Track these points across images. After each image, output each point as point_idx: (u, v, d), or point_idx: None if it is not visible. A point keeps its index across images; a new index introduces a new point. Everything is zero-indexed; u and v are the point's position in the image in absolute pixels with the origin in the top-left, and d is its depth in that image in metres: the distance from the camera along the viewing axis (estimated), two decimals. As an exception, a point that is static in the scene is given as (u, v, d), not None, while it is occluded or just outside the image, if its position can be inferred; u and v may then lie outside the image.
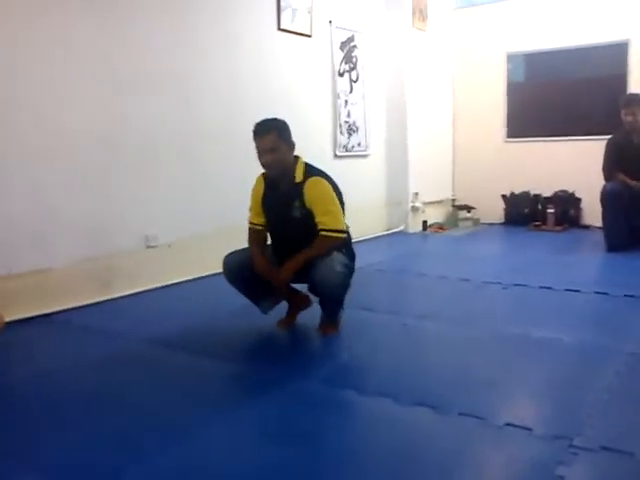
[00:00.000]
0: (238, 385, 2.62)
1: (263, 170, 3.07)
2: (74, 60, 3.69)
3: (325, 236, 2.92)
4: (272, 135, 2.90)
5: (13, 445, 2.06)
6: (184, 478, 1.82)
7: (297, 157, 3.03)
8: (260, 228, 3.16)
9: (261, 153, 2.92)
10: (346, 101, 6.10)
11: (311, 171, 3.01)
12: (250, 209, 3.20)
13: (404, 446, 2.01)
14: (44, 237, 3.59)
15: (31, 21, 3.47)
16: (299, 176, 2.97)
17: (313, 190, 2.94)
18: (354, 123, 6.21)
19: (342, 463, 1.91)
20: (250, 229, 3.19)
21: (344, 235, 2.98)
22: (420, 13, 6.63)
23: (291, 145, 2.99)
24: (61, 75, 3.63)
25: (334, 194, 2.99)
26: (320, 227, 2.92)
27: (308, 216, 2.95)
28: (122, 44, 3.95)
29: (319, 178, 2.99)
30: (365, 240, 5.65)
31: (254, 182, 3.16)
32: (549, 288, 3.96)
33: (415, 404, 2.27)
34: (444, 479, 1.82)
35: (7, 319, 2.97)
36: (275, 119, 3.00)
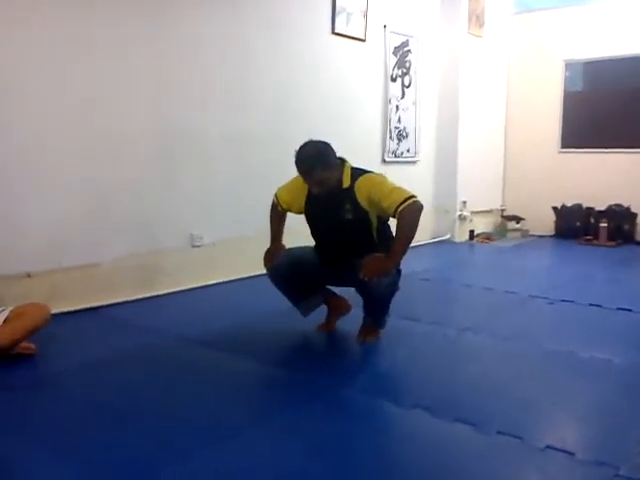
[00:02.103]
0: (275, 389, 2.60)
1: None
2: (128, 62, 3.76)
3: (403, 209, 2.77)
4: (317, 171, 2.83)
5: (52, 433, 2.10)
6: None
7: (343, 161, 2.98)
8: (282, 210, 3.17)
9: (310, 185, 2.91)
10: (397, 106, 6.05)
11: (356, 173, 2.96)
12: (284, 188, 3.17)
13: (440, 462, 1.97)
14: (94, 233, 3.66)
15: (83, 22, 3.54)
16: (346, 181, 2.93)
17: (366, 185, 2.85)
18: (404, 129, 6.16)
19: (376, 476, 1.88)
20: (275, 205, 3.19)
21: (416, 198, 2.83)
22: (477, 19, 6.52)
23: (336, 166, 2.92)
24: (113, 76, 3.69)
25: (386, 180, 2.94)
26: (394, 206, 2.79)
27: (362, 217, 2.91)
28: (176, 47, 4.01)
29: (367, 175, 2.94)
30: (411, 247, 5.57)
31: (299, 177, 3.03)
32: (598, 306, 3.82)
33: (453, 419, 2.21)
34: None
35: (55, 311, 3.02)
36: (315, 147, 2.89)
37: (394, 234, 2.95)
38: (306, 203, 3.07)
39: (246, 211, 4.48)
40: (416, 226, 2.84)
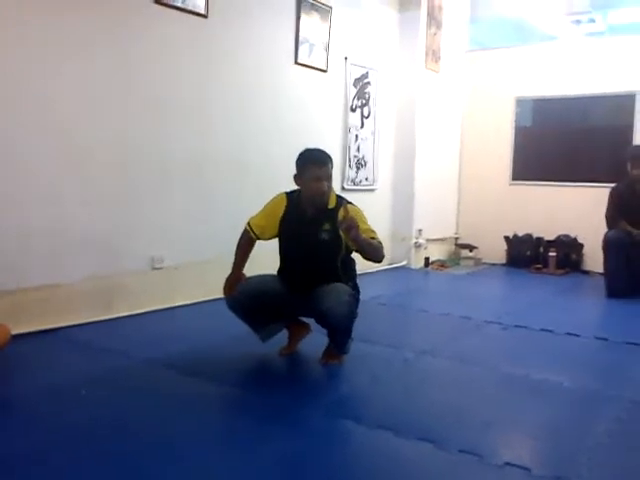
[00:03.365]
0: (237, 411, 2.63)
1: (286, 192, 3.17)
2: (95, 82, 3.78)
3: (379, 242, 2.99)
4: (329, 164, 3.06)
5: (13, 462, 2.07)
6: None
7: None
8: (254, 237, 3.22)
9: (319, 180, 2.99)
10: (357, 136, 6.20)
11: (342, 199, 3.12)
12: (256, 216, 3.23)
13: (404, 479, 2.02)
14: (53, 253, 3.62)
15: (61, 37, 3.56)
16: (332, 203, 3.07)
17: (349, 212, 2.88)
18: (363, 157, 6.31)
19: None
20: (247, 231, 3.23)
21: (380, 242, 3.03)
22: (433, 54, 6.77)
23: None
24: (80, 94, 3.71)
25: (364, 216, 3.08)
26: (371, 235, 2.97)
27: (336, 239, 3.01)
28: (139, 72, 4.04)
29: (353, 205, 3.08)
30: (368, 273, 5.67)
31: (273, 198, 3.19)
32: (550, 331, 3.98)
33: (415, 438, 2.29)
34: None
35: (14, 332, 2.98)
36: (320, 149, 3.13)
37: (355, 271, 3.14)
38: (281, 224, 3.13)
39: (207, 235, 4.50)
40: (379, 256, 2.98)
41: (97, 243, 3.85)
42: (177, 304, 4.30)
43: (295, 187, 3.16)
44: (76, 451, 2.13)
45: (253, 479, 2.00)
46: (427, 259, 6.83)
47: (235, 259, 3.25)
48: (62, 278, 3.66)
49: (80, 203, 3.75)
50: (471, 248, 7.19)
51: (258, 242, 3.25)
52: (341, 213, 2.92)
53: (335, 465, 2.12)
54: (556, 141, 6.95)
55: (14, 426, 2.32)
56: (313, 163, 3.04)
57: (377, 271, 6.15)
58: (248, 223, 3.24)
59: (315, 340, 3.24)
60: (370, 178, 6.43)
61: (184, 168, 4.38)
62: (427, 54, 6.67)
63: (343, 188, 5.95)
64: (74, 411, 2.50)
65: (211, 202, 4.58)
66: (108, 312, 3.89)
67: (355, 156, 6.20)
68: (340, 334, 3.10)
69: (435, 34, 6.77)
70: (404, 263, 6.69)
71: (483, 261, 7.16)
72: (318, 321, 3.11)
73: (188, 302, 4.36)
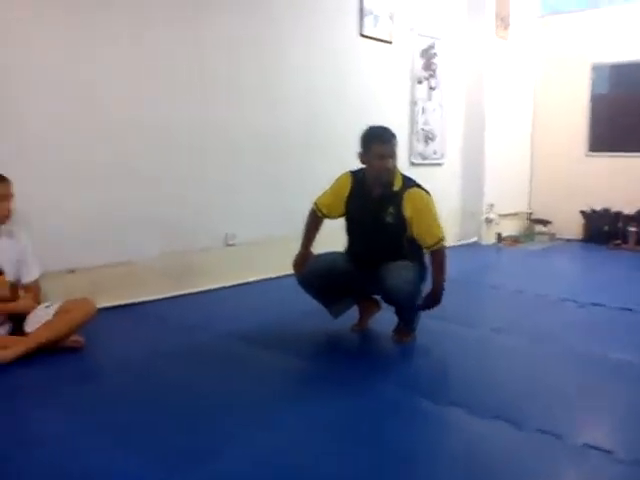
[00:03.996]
0: (310, 383, 2.68)
1: (351, 171, 3.15)
2: (174, 69, 3.88)
3: (436, 250, 3.02)
4: (394, 141, 3.04)
5: (103, 422, 2.18)
6: (256, 472, 1.88)
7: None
8: (322, 216, 3.24)
9: (383, 158, 2.98)
10: (423, 108, 6.09)
11: (409, 181, 3.08)
12: (323, 195, 3.24)
13: (478, 458, 2.01)
14: (131, 231, 3.77)
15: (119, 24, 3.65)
16: (397, 184, 3.04)
17: (415, 202, 2.99)
18: (431, 131, 6.19)
19: (412, 470, 1.93)
20: (313, 211, 3.25)
21: (445, 240, 3.06)
22: (502, 21, 6.54)
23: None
24: (161, 80, 3.81)
25: (433, 204, 3.06)
26: (428, 243, 3.03)
27: (400, 224, 3.01)
28: (211, 47, 4.11)
29: (420, 190, 3.05)
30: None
31: (339, 177, 3.19)
32: (629, 309, 3.84)
33: (490, 417, 2.26)
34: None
35: (99, 305, 3.11)
36: (384, 126, 3.09)
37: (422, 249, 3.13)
38: (347, 203, 3.14)
39: (277, 212, 4.56)
40: (445, 266, 3.07)
41: (172, 221, 3.98)
42: (249, 280, 4.39)
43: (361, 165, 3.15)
44: (154, 417, 2.23)
45: (320, 448, 2.04)
46: (499, 235, 6.68)
47: (303, 238, 3.28)
48: (139, 255, 3.80)
49: (155, 183, 3.87)
50: (545, 223, 6.99)
51: (326, 220, 3.27)
52: (407, 202, 2.93)
53: (405, 439, 2.12)
54: (635, 109, 6.60)
55: (96, 395, 2.44)
56: (377, 140, 3.01)
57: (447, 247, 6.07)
58: (315, 203, 3.26)
59: (387, 317, 3.24)
60: (438, 152, 6.31)
61: (254, 148, 4.44)
62: (496, 21, 6.44)
63: (411, 163, 5.88)
64: (152, 380, 2.60)
65: (281, 180, 4.63)
66: (182, 288, 4.01)
67: (422, 129, 6.10)
68: (405, 311, 3.11)
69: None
70: (474, 239, 6.57)
71: (558, 237, 6.94)
72: (383, 298, 3.14)
73: (260, 278, 4.45)
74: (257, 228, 4.47)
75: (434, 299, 3.07)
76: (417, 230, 3.03)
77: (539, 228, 6.99)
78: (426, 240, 3.04)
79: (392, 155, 3.02)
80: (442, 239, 3.05)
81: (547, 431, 2.14)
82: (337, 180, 3.21)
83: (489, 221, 6.59)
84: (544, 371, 2.83)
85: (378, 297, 3.30)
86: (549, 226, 6.97)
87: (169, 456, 1.94)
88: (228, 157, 4.28)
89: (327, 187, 3.24)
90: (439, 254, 3.05)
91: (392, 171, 3.03)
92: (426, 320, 3.22)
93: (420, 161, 6.03)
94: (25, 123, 3.30)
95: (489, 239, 6.62)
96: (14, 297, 2.92)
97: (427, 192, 3.09)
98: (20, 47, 3.23)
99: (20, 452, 1.96)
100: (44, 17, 3.31)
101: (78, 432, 2.09)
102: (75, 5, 3.43)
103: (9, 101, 3.23)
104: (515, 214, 7.08)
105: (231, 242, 4.32)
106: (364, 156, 3.06)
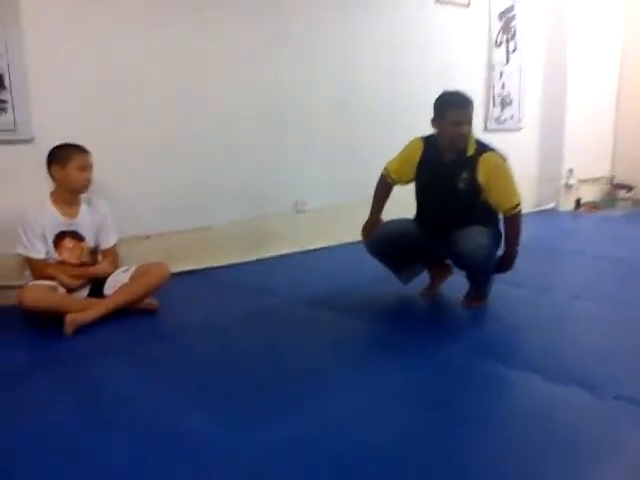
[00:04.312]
0: (380, 347, 2.65)
1: (422, 136, 3.08)
2: (243, 24, 3.89)
3: (511, 216, 2.95)
4: (470, 107, 2.94)
5: (177, 379, 2.25)
6: (323, 434, 1.88)
7: None
8: (392, 182, 3.18)
9: (459, 124, 2.88)
10: (501, 72, 5.86)
11: (484, 146, 2.98)
12: (393, 160, 3.18)
13: (551, 424, 1.94)
14: (204, 198, 3.85)
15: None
16: (471, 149, 2.95)
17: (490, 167, 2.91)
18: (508, 95, 5.97)
19: (483, 436, 1.89)
20: (384, 176, 3.20)
21: (521, 205, 2.97)
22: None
23: None
24: (233, 47, 3.83)
25: (509, 169, 2.96)
26: (504, 208, 2.96)
27: (474, 190, 2.93)
28: (290, 11, 4.11)
29: (495, 155, 2.95)
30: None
31: (409, 142, 3.12)
32: None
33: (566, 383, 2.18)
34: (591, 466, 1.73)
35: (173, 270, 3.20)
36: (460, 91, 2.98)
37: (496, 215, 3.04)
38: (418, 169, 3.07)
39: (348, 178, 4.52)
40: (521, 233, 2.99)
41: (244, 189, 4.03)
42: (320, 246, 4.40)
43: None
44: (224, 378, 2.27)
45: (390, 410, 2.02)
46: (578, 201, 6.40)
47: (373, 204, 3.23)
48: (212, 222, 3.88)
49: (228, 151, 3.91)
50: (629, 188, 6.64)
51: (396, 187, 3.22)
52: (481, 166, 2.85)
53: (476, 404, 2.08)
54: None
55: (169, 355, 2.51)
56: (453, 106, 2.91)
57: (523, 213, 5.88)
58: (385, 168, 3.20)
59: (458, 282, 3.17)
60: (516, 116, 6.08)
61: (327, 114, 4.42)
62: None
63: (486, 128, 5.69)
64: (226, 343, 2.66)
65: (352, 147, 4.59)
66: (254, 254, 4.07)
67: (499, 94, 5.88)
68: (478, 276, 3.03)
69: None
70: (552, 205, 6.33)
71: (642, 202, 6.59)
72: (456, 263, 3.07)
73: (331, 244, 4.45)
74: (328, 194, 4.46)
75: (506, 264, 2.99)
76: (492, 196, 2.94)
77: (621, 193, 6.65)
78: (502, 205, 2.95)
79: (468, 121, 2.91)
80: (518, 204, 2.95)
81: (625, 398, 2.05)
82: (408, 145, 3.14)
83: (568, 187, 6.32)
84: (624, 338, 2.69)
85: (449, 262, 3.24)
86: (633, 191, 6.61)
87: (238, 415, 1.97)
88: (300, 124, 4.27)
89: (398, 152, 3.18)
90: (515, 219, 2.95)
91: (467, 137, 2.93)
92: (499, 286, 3.14)
93: (496, 127, 5.83)
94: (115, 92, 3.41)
95: (567, 205, 6.35)
96: (94, 262, 3.05)
97: (503, 156, 2.98)
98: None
99: (97, 408, 2.05)
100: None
101: (151, 390, 2.16)
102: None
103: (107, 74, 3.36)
104: (596, 179, 6.75)
105: (302, 208, 4.33)
106: (438, 122, 2.97)
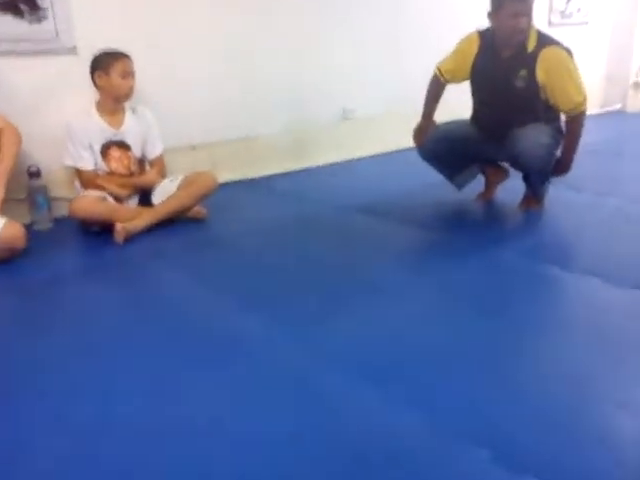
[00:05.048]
0: (435, 250, 2.59)
1: (478, 30, 2.88)
2: None
3: (576, 116, 2.74)
4: (532, 1, 2.68)
5: (231, 285, 2.25)
6: (378, 337, 1.85)
7: None
8: (444, 82, 3.01)
9: (517, 16, 2.64)
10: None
11: (544, 39, 2.74)
12: (446, 59, 3.00)
13: (611, 327, 1.86)
14: (251, 107, 3.74)
15: None
16: (531, 44, 2.72)
17: (552, 62, 2.69)
18: (573, -14, 5.50)
19: (542, 340, 1.82)
20: (436, 77, 3.03)
21: (586, 104, 2.75)
22: None
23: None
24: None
25: (573, 63, 2.73)
26: (566, 108, 2.74)
27: (533, 88, 2.72)
28: None
29: (557, 48, 2.72)
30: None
31: (464, 37, 2.93)
32: None
33: (629, 287, 2.08)
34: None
35: (221, 180, 3.17)
36: None
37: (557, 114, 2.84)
38: (474, 66, 2.88)
39: (398, 85, 4.33)
40: (582, 134, 2.79)
41: (291, 96, 3.90)
42: (370, 154, 4.28)
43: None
44: (275, 282, 2.26)
45: (448, 314, 1.98)
46: (648, 101, 5.98)
47: (425, 106, 3.07)
48: (258, 131, 3.79)
49: (272, 57, 3.77)
50: None
51: (448, 88, 3.04)
52: (541, 63, 2.64)
53: (535, 309, 2.01)
54: None
55: (219, 261, 2.51)
56: None
57: (588, 115, 5.55)
58: (437, 67, 3.02)
59: (513, 186, 3.03)
60: (584, 9, 5.62)
61: (375, 18, 4.18)
62: None
63: (550, 23, 5.29)
64: (273, 249, 2.63)
65: (402, 52, 4.36)
66: (302, 163, 4.00)
67: (564, -16, 5.42)
68: (536, 177, 2.87)
69: None
70: (619, 107, 5.94)
71: None
72: (513, 164, 2.93)
73: (381, 151, 4.32)
74: (377, 101, 4.29)
75: (563, 166, 2.83)
76: (554, 94, 2.72)
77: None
78: (564, 105, 2.74)
79: (528, 13, 2.66)
80: (583, 102, 2.72)
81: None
82: (462, 40, 2.94)
83: (637, 86, 5.89)
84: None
85: (505, 164, 3.09)
86: None
87: (292, 317, 1.96)
88: (347, 27, 4.07)
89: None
90: (577, 120, 2.75)
91: (526, 32, 2.69)
92: (558, 189, 2.98)
93: (561, 20, 5.41)
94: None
95: (637, 106, 5.94)
96: (141, 172, 3.04)
97: (567, 50, 2.73)
98: None
99: (148, 308, 2.08)
100: None
101: (203, 294, 2.17)
102: None
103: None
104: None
105: (350, 116, 4.19)
106: (494, 15, 2.73)
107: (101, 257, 2.58)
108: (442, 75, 3.01)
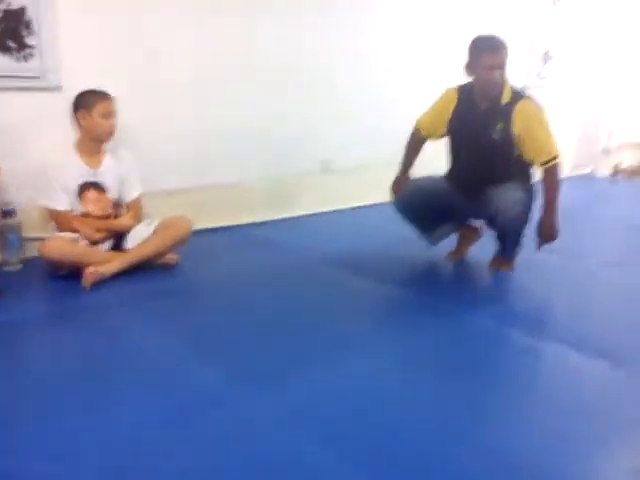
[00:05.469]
0: (403, 310, 2.60)
1: (456, 85, 2.98)
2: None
3: (549, 167, 2.78)
4: (504, 51, 2.80)
5: (193, 335, 2.23)
6: (340, 394, 1.85)
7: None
8: (424, 136, 3.09)
9: (492, 68, 2.77)
10: (543, 25, 5.60)
11: (518, 93, 2.86)
12: (425, 114, 3.09)
13: (577, 395, 1.88)
14: (232, 154, 3.77)
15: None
16: (506, 97, 2.83)
17: (525, 115, 2.79)
18: (549, 50, 5.72)
19: (507, 403, 1.84)
20: (415, 131, 3.11)
21: (559, 157, 2.80)
22: None
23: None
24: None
25: (544, 116, 2.83)
26: (540, 160, 2.80)
27: (509, 141, 2.81)
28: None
29: (531, 102, 2.84)
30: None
31: (443, 92, 3.02)
32: None
33: (593, 354, 2.11)
34: (617, 434, 1.68)
35: (195, 227, 3.16)
36: (494, 36, 2.85)
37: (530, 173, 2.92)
38: (451, 119, 2.97)
39: (376, 138, 4.40)
40: (560, 187, 2.81)
41: (273, 146, 3.95)
42: (347, 206, 4.34)
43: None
44: (241, 335, 2.25)
45: (415, 376, 1.97)
46: (616, 166, 6.17)
47: (403, 160, 3.14)
48: (239, 178, 3.82)
49: (258, 108, 3.83)
50: (671, 154, 6.37)
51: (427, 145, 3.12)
52: (516, 115, 2.73)
53: (500, 372, 2.04)
54: None
55: (186, 310, 2.51)
56: (485, 50, 2.79)
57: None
58: (416, 122, 3.11)
59: (485, 246, 3.08)
60: (558, 73, 5.83)
61: (350, 69, 4.28)
62: None
63: (526, 85, 5.46)
64: (242, 300, 2.63)
65: (381, 104, 4.45)
66: (281, 212, 4.03)
67: (541, 49, 5.63)
68: (510, 236, 2.92)
69: None
70: (589, 170, 6.12)
71: (686, 169, 6.32)
72: (488, 223, 2.98)
73: (358, 204, 4.38)
74: (356, 154, 4.36)
75: (547, 230, 2.81)
76: (528, 146, 2.80)
77: (664, 159, 6.39)
78: (538, 156, 2.81)
79: (501, 66, 2.79)
80: (556, 156, 2.79)
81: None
82: (441, 96, 3.03)
83: (607, 151, 6.09)
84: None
85: (479, 223, 3.15)
86: (677, 157, 6.35)
87: (250, 373, 1.95)
88: (328, 81, 4.15)
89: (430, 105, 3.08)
90: (552, 172, 2.79)
91: (500, 83, 2.81)
92: (528, 252, 3.04)
93: (537, 82, 5.60)
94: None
95: (605, 170, 6.13)
96: (118, 215, 3.03)
97: (539, 105, 2.85)
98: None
99: (113, 362, 2.04)
100: None
101: (167, 345, 2.15)
102: None
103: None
104: (636, 144, 6.48)
105: (329, 167, 4.25)
106: (471, 67, 2.85)
107: (67, 302, 2.55)
108: (421, 130, 3.09)
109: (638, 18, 6.05)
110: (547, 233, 2.82)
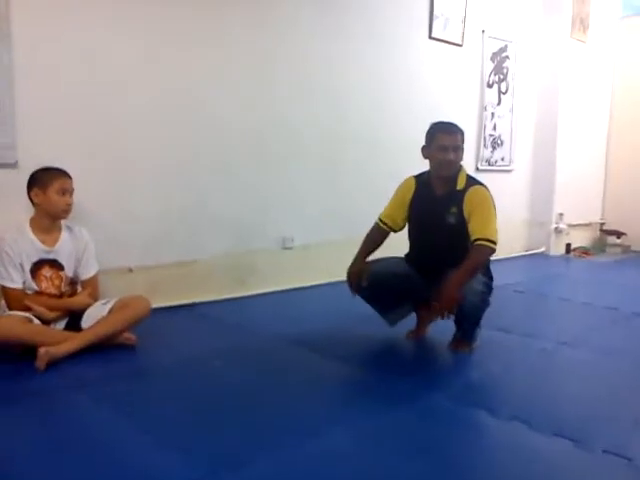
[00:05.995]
0: (363, 392, 2.56)
1: (414, 175, 3.09)
2: (228, 57, 3.87)
3: (481, 245, 2.80)
4: (459, 134, 2.95)
5: (150, 422, 2.15)
6: (299, 476, 1.80)
7: (460, 165, 3.00)
8: (385, 229, 3.14)
9: (446, 150, 2.88)
10: (493, 113, 5.90)
11: (473, 180, 2.99)
12: (385, 207, 3.17)
13: (537, 477, 1.87)
14: (190, 232, 3.77)
15: (194, 21, 3.68)
16: (461, 183, 2.94)
17: (475, 197, 2.89)
18: (499, 137, 6.00)
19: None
20: (376, 225, 3.16)
21: (496, 246, 2.84)
22: (581, 23, 6.27)
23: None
24: (209, 69, 3.79)
25: (493, 205, 2.92)
26: (476, 236, 2.81)
27: (463, 224, 2.89)
28: (277, 46, 4.10)
29: (481, 187, 2.95)
30: (503, 259, 5.39)
31: (402, 183, 3.13)
32: None
33: (553, 434, 2.11)
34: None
35: (153, 305, 3.10)
36: (451, 122, 3.01)
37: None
38: (410, 206, 3.07)
39: (339, 215, 4.50)
40: (481, 266, 2.85)
41: (231, 223, 3.97)
42: (307, 284, 4.33)
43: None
44: (201, 417, 2.18)
45: (372, 459, 1.92)
46: (568, 245, 6.40)
47: (360, 250, 3.12)
48: (197, 256, 3.80)
49: (215, 186, 3.87)
50: (619, 235, 6.64)
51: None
52: (467, 198, 2.84)
53: (460, 453, 2.01)
54: None
55: (145, 393, 2.43)
56: (441, 131, 2.93)
57: (513, 257, 5.87)
58: (378, 217, 3.17)
59: (445, 325, 3.10)
60: (507, 158, 6.10)
61: (315, 150, 4.39)
62: (574, 22, 6.18)
63: (477, 169, 5.69)
64: (202, 381, 2.57)
65: (342, 184, 4.56)
66: (240, 290, 3.99)
67: (491, 135, 5.91)
68: (468, 322, 2.96)
69: (584, 0, 6.24)
70: (542, 250, 6.31)
71: (632, 249, 6.58)
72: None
73: (317, 282, 4.37)
74: (316, 232, 4.42)
75: (447, 295, 2.68)
76: (471, 225, 2.85)
77: (612, 240, 6.65)
78: (476, 232, 2.80)
79: (456, 148, 2.91)
80: (493, 241, 2.79)
81: (614, 452, 1.98)
82: (400, 185, 3.15)
83: (558, 231, 6.31)
84: (612, 388, 2.63)
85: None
86: (623, 238, 6.62)
87: (213, 457, 1.89)
88: (288, 159, 4.24)
89: (391, 194, 3.17)
90: (481, 250, 2.78)
91: (454, 165, 2.92)
92: (486, 331, 3.07)
93: (487, 167, 5.84)
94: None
95: (558, 250, 6.34)
96: (73, 293, 2.97)
97: (489, 194, 2.95)
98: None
99: (66, 449, 1.95)
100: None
101: (123, 430, 2.07)
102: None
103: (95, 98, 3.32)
104: (586, 224, 6.76)
105: (289, 245, 4.28)
106: (427, 149, 2.97)
107: (19, 384, 2.44)
108: (382, 221, 3.14)
109: (583, 105, 6.43)
110: (445, 300, 2.70)
